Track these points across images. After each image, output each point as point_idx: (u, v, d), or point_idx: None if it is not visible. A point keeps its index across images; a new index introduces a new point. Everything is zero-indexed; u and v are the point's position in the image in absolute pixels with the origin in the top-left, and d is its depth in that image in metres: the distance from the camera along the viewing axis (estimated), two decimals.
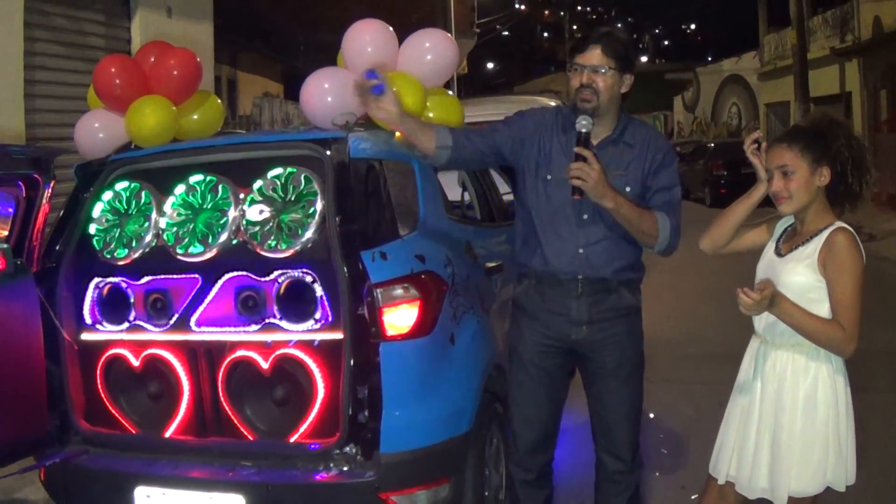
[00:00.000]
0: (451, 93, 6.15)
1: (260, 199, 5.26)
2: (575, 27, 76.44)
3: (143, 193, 5.60)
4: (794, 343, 4.20)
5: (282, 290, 5.14)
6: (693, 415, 8.27)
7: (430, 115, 5.67)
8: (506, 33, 69.34)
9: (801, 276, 4.14)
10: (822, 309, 4.11)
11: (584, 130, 4.65)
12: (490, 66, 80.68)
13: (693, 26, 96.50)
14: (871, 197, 4.34)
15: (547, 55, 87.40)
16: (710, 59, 62.07)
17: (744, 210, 4.45)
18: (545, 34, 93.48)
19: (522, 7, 71.10)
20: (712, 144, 35.97)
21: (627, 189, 4.85)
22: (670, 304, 12.90)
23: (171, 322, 5.35)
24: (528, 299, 5.07)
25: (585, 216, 4.87)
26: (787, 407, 4.19)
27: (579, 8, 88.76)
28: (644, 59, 79.17)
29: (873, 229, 19.76)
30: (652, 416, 8.09)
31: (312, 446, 4.95)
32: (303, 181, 5.19)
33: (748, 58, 46.37)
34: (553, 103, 15.21)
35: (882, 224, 20.53)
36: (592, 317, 4.93)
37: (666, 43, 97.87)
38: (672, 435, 7.83)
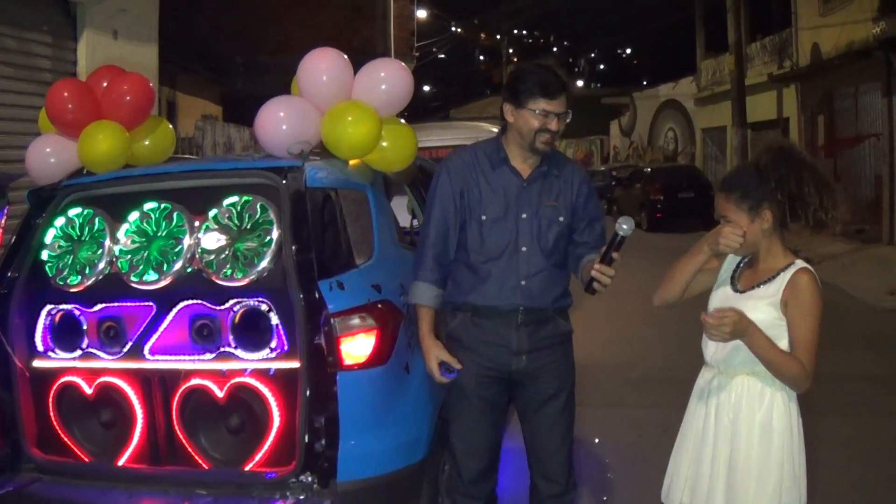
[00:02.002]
0: (403, 121, 6.16)
1: (215, 227, 5.26)
2: (512, 51, 76.78)
3: (96, 220, 5.58)
4: (750, 371, 4.25)
5: (237, 319, 5.15)
6: (636, 439, 8.34)
7: (385, 143, 5.71)
8: (443, 56, 69.56)
9: (762, 314, 4.17)
10: (780, 346, 4.16)
11: (625, 235, 4.56)
12: (427, 89, 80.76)
13: (630, 51, 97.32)
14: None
15: (484, 79, 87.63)
16: (646, 83, 62.51)
17: (692, 268, 4.42)
18: (482, 57, 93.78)
19: (459, 30, 71.30)
20: (649, 169, 36.27)
21: (561, 219, 5.00)
22: (612, 330, 12.97)
23: (125, 350, 5.33)
24: (465, 332, 5.08)
25: (524, 248, 4.96)
26: (743, 435, 4.24)
27: (516, 32, 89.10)
28: (580, 83, 79.60)
29: (811, 253, 19.98)
30: (596, 440, 8.14)
31: (268, 475, 4.95)
32: (259, 210, 5.21)
33: (685, 83, 46.68)
34: (496, 129, 15.29)
35: (819, 248, 20.77)
36: (532, 345, 4.99)
37: (602, 67, 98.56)
38: (616, 460, 7.88)
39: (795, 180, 4.16)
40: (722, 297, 4.41)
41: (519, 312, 4.95)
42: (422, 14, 46.80)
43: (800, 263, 4.22)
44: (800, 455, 4.27)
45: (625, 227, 4.50)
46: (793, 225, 4.25)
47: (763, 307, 4.19)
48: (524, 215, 4.97)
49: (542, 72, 4.95)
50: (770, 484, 4.20)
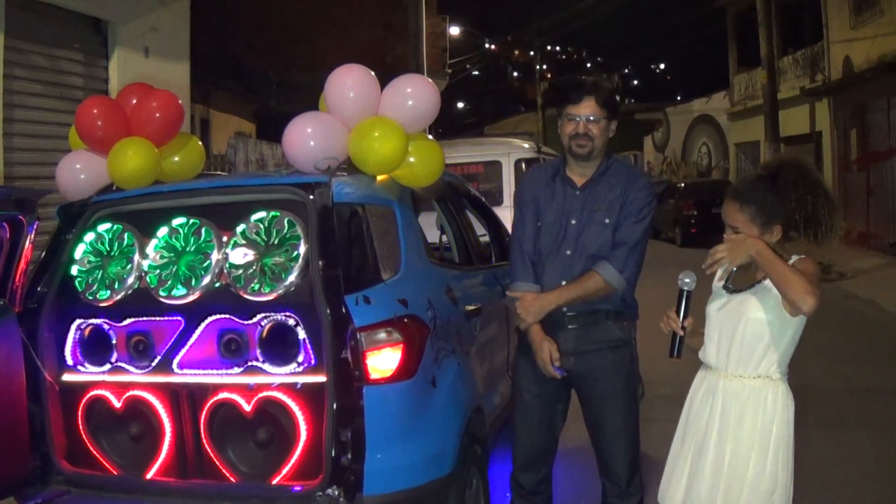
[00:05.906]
0: (430, 137, 6.19)
1: (243, 242, 5.30)
2: (545, 67, 76.74)
3: (125, 235, 5.62)
4: (754, 375, 4.34)
5: (265, 333, 5.17)
6: (665, 455, 8.29)
7: (412, 159, 5.73)
8: (476, 73, 69.54)
9: (766, 313, 4.26)
10: (784, 342, 4.27)
11: (689, 290, 4.55)
12: (460, 105, 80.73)
13: (663, 66, 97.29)
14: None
15: (517, 95, 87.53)
16: (679, 98, 62.40)
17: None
18: (515, 74, 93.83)
19: (493, 47, 71.35)
20: (682, 184, 36.18)
21: (606, 221, 5.16)
22: (643, 345, 12.88)
23: (154, 364, 5.37)
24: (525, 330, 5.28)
25: (568, 252, 5.16)
26: (744, 438, 4.33)
27: (549, 48, 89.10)
28: None
29: (843, 267, 19.90)
30: None
31: (295, 488, 4.97)
32: (286, 225, 5.24)
33: (718, 98, 46.49)
34: (527, 144, 15.40)
35: (852, 262, 20.67)
36: (579, 347, 5.18)
37: (636, 83, 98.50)
38: (646, 473, 7.85)
39: (813, 202, 4.25)
40: (720, 301, 4.48)
41: (564, 313, 5.16)
42: (454, 31, 46.90)
43: (796, 257, 4.26)
44: (790, 464, 4.32)
45: (686, 280, 4.51)
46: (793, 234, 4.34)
47: (770, 302, 4.24)
48: (573, 221, 5.19)
49: (568, 82, 5.22)
50: (763, 492, 4.27)
